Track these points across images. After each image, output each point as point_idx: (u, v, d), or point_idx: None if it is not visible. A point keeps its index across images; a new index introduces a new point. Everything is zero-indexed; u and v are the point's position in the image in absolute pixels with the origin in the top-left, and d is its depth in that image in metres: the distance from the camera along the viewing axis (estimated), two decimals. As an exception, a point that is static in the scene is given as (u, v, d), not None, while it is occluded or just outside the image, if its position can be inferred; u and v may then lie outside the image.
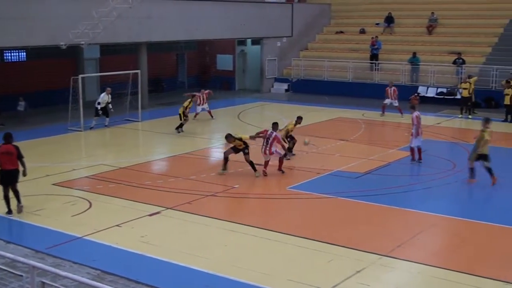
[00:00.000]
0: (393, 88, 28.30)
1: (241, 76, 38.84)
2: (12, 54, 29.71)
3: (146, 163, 19.33)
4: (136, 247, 12.01)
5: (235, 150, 17.86)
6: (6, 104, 26.42)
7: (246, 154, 17.75)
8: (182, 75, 38.81)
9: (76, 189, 16.28)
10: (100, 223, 13.43)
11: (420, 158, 19.02)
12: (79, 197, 15.41)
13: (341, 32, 39.81)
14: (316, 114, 28.66)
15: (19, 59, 30.03)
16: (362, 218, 14.13)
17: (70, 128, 24.37)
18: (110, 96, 25.06)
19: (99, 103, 24.93)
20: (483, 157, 16.44)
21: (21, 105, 26.35)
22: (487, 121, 16.67)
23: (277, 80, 37.52)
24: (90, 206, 14.68)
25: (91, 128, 24.73)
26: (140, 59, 29.88)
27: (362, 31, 38.71)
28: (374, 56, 35.09)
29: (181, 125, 23.97)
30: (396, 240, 12.52)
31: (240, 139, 17.79)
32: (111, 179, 17.05)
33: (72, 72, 27.87)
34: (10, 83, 28.00)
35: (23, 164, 14.31)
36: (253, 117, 28.04)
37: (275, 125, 18.22)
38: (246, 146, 17.88)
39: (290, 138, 20.04)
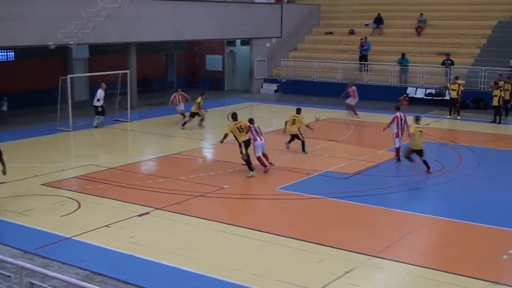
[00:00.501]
0: (353, 87, 28.69)
1: (230, 77, 38.85)
2: (0, 54, 29.56)
3: (135, 164, 19.30)
4: (126, 248, 12.00)
5: (246, 146, 17.71)
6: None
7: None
8: (172, 75, 38.76)
9: (65, 189, 16.22)
10: (89, 223, 13.39)
11: (398, 159, 19.19)
12: (68, 197, 15.36)
13: (330, 33, 39.89)
14: (305, 115, 28.60)
15: (7, 59, 29.87)
16: (351, 218, 14.17)
17: (59, 128, 24.28)
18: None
19: (98, 100, 24.90)
20: (418, 152, 17.86)
21: (5, 105, 26.24)
22: (417, 118, 18.27)
23: (267, 80, 37.55)
24: (79, 206, 14.64)
25: (95, 126, 24.80)
26: (130, 60, 29.81)
27: (351, 32, 38.80)
28: (363, 57, 35.18)
29: (185, 123, 24.69)
30: (386, 241, 12.57)
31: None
32: (100, 180, 17.00)
33: (61, 72, 27.78)
34: (-1, 83, 27.86)
35: (2, 163, 14.25)
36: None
37: (251, 120, 18.48)
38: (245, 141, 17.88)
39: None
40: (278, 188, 16.37)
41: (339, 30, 39.80)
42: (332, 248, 12.08)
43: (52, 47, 24.66)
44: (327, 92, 34.05)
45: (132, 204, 14.72)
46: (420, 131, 17.96)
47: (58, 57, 30.28)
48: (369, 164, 19.12)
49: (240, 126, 18.02)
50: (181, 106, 25.83)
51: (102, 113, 25.07)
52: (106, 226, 13.26)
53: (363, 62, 34.92)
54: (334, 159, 19.77)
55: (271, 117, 27.91)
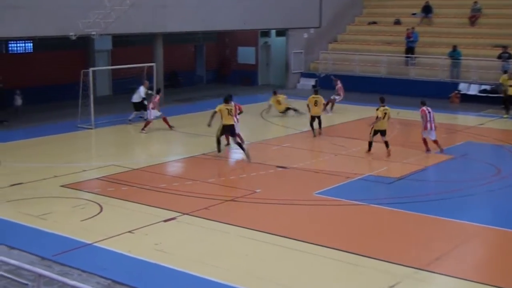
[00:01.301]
0: (338, 83, 29.27)
1: (264, 71, 38.85)
2: (18, 45, 30.02)
3: (161, 164, 19.43)
4: (150, 256, 12.07)
5: (225, 130, 19.74)
6: (11, 99, 26.66)
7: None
8: (200, 69, 38.93)
9: (86, 191, 16.41)
10: (111, 228, 13.51)
11: (428, 149, 20.61)
12: (89, 200, 15.53)
13: (374, 22, 39.62)
14: (346, 113, 28.57)
15: (25, 50, 30.34)
16: (396, 227, 14.05)
17: (79, 125, 24.58)
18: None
19: (144, 98, 25.24)
20: (381, 132, 20.31)
21: (18, 99, 26.55)
22: (381, 100, 20.75)
23: (304, 75, 37.47)
24: (101, 210, 14.79)
25: (129, 120, 25.36)
26: (156, 51, 30.01)
27: (397, 22, 38.49)
28: (410, 50, 34.88)
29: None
30: (434, 252, 12.43)
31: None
32: (124, 181, 17.15)
33: (82, 65, 28.11)
34: (15, 77, 28.24)
35: None
36: (277, 115, 28.02)
37: (229, 97, 20.35)
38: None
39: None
40: (316, 193, 16.32)
41: (383, 20, 39.51)
42: (375, 260, 11.99)
43: (73, 37, 24.93)
44: (370, 88, 33.82)
45: (157, 209, 14.81)
46: (385, 112, 20.26)
47: (79, 48, 30.68)
48: (416, 167, 18.95)
49: (231, 109, 19.72)
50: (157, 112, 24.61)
51: (143, 108, 25.43)
52: (129, 232, 13.36)
53: (409, 55, 34.62)
54: (377, 162, 19.64)
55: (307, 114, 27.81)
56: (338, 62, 36.67)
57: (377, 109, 20.59)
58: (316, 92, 24.02)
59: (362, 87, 34.32)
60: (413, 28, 35.58)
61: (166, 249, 12.46)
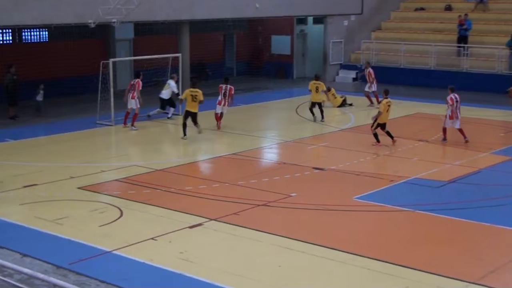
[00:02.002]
0: (369, 69, 29.60)
1: (300, 62, 38.84)
2: (32, 33, 30.40)
3: (186, 165, 19.54)
4: (174, 265, 12.14)
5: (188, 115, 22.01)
6: (23, 92, 26.89)
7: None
8: (230, 60, 39.06)
9: (104, 194, 16.57)
10: (132, 235, 13.62)
11: (444, 138, 22.03)
12: (109, 203, 15.68)
13: (422, 8, 39.36)
14: (390, 109, 28.38)
15: (39, 39, 30.71)
16: (445, 236, 13.95)
17: (98, 122, 24.84)
18: None
19: (178, 94, 25.51)
20: (381, 126, 21.42)
21: (40, 94, 26.70)
22: (385, 92, 22.08)
23: (343, 67, 37.38)
24: (121, 214, 14.91)
25: (169, 117, 25.83)
26: (181, 41, 30.17)
27: (448, 8, 38.19)
28: (462, 39, 34.59)
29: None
30: (488, 265, 12.32)
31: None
32: (146, 183, 17.28)
33: (102, 55, 28.38)
34: (28, 68, 28.54)
35: None
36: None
37: (226, 79, 24.26)
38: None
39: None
40: (356, 198, 16.27)
41: (432, 6, 39.24)
42: (421, 272, 11.92)
43: (92, 25, 25.12)
44: (417, 81, 33.67)
45: (182, 214, 14.90)
46: (389, 105, 21.57)
47: (99, 37, 30.97)
48: (468, 170, 18.81)
49: (196, 95, 21.81)
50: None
51: (173, 104, 26.02)
52: (152, 239, 13.46)
53: (462, 45, 34.31)
54: (424, 163, 19.52)
55: (348, 111, 27.80)
56: (381, 53, 36.51)
57: (379, 102, 21.57)
58: (317, 78, 25.84)
59: (408, 80, 34.14)
60: (466, 14, 35.27)
61: (192, 258, 12.52)
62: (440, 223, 14.68)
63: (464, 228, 14.39)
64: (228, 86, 24.31)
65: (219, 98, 24.34)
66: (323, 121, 25.32)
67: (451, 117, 21.85)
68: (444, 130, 22.11)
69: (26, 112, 26.13)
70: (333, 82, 36.21)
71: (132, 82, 24.45)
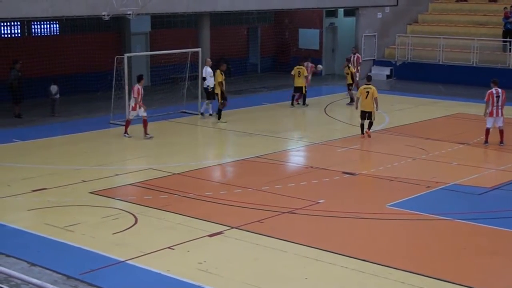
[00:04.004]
0: (356, 55, 30.49)
1: (329, 57, 38.78)
2: (42, 26, 30.62)
3: (206, 169, 19.60)
4: (193, 276, 12.19)
5: None
6: (32, 89, 27.11)
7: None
8: (254, 56, 39.06)
9: (118, 199, 16.68)
10: (147, 243, 13.70)
11: (486, 141, 21.75)
12: (123, 209, 15.78)
13: (464, 0, 39.16)
14: (427, 109, 28.33)
15: (50, 32, 30.92)
16: (487, 247, 13.87)
17: (112, 121, 24.98)
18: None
19: (204, 79, 26.02)
20: (367, 114, 22.63)
21: (55, 90, 26.75)
22: (367, 78, 24.10)
23: (377, 63, 37.29)
24: (136, 221, 14.99)
25: (210, 114, 26.02)
26: (202, 35, 30.25)
27: (492, -1, 38.03)
28: (508, 32, 34.35)
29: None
30: (533, 279, 12.29)
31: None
32: (163, 188, 17.37)
33: (116, 50, 28.53)
34: (37, 63, 28.75)
35: None
36: (343, 112, 27.97)
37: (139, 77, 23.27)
38: None
39: None
40: (389, 205, 16.24)
41: (475, -3, 39.08)
42: (462, 287, 11.88)
43: (106, 18, 25.24)
44: (458, 79, 33.49)
45: (201, 221, 14.95)
46: (367, 91, 22.55)
47: (113, 31, 31.13)
48: (513, 175, 18.73)
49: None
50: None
51: (212, 96, 26.06)
52: (168, 247, 13.52)
53: (508, 39, 34.08)
54: (464, 168, 19.43)
55: (381, 111, 27.67)
56: (418, 48, 36.38)
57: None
58: (300, 63, 28.73)
59: (448, 77, 34.00)
60: None
61: (211, 269, 12.56)
62: (482, 233, 14.61)
63: (508, 239, 14.32)
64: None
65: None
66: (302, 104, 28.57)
67: (490, 114, 21.63)
68: (487, 131, 21.84)
69: (36, 111, 26.34)
70: (364, 80, 36.10)
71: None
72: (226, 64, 26.10)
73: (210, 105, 26.13)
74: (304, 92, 28.50)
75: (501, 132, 21.80)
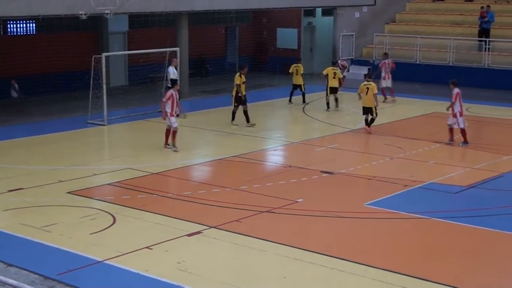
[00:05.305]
0: (388, 60, 30.20)
1: (308, 57, 38.83)
2: (18, 25, 30.41)
3: (185, 168, 19.58)
4: (171, 276, 12.15)
5: None
6: (7, 89, 26.93)
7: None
8: (232, 55, 39.04)
9: (96, 199, 16.60)
10: (126, 243, 13.64)
11: (451, 139, 21.95)
12: (100, 209, 15.70)
13: (440, -1, 39.42)
14: (404, 108, 28.44)
15: (26, 32, 30.73)
16: (463, 246, 13.95)
17: (90, 121, 24.87)
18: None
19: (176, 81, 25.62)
20: (368, 110, 23.36)
21: (14, 89, 26.68)
22: (369, 75, 25.25)
23: (355, 62, 37.38)
24: (114, 221, 14.93)
25: (177, 115, 25.50)
26: (180, 34, 30.20)
27: (469, -1, 38.26)
28: (483, 32, 34.57)
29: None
30: (510, 277, 12.36)
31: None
32: (141, 188, 17.31)
33: (94, 49, 28.40)
34: (14, 63, 28.59)
35: None
36: (322, 111, 28.01)
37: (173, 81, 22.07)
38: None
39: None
40: (367, 204, 16.28)
41: (451, -4, 39.29)
42: (439, 285, 11.91)
43: (83, 17, 25.14)
44: (434, 78, 33.63)
45: (180, 221, 14.91)
46: (367, 88, 23.16)
47: (90, 30, 30.99)
48: (490, 174, 18.81)
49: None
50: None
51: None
52: (147, 247, 13.47)
53: (483, 39, 34.29)
54: (441, 167, 19.53)
55: (357, 110, 27.74)
56: (396, 47, 36.54)
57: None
58: (298, 61, 29.50)
59: (424, 77, 34.17)
60: (488, 6, 35.26)
61: (190, 268, 12.54)
62: (458, 232, 14.67)
63: (484, 237, 14.38)
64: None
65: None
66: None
67: (461, 114, 21.68)
68: (451, 129, 22.00)
69: (11, 110, 26.16)
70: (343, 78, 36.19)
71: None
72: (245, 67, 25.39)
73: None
74: (303, 89, 28.97)
75: (464, 131, 21.90)
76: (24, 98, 27.10)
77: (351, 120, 25.38)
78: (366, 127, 23.32)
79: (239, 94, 24.17)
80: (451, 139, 21.95)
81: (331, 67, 28.49)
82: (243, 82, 24.28)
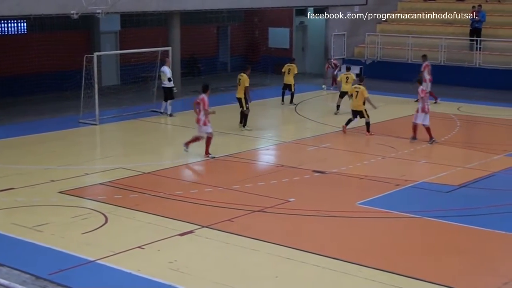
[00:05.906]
0: (425, 63, 29.33)
1: (300, 56, 38.80)
2: (10, 25, 30.31)
3: (177, 168, 19.55)
4: (163, 276, 12.15)
5: None
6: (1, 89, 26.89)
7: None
8: (224, 54, 39.04)
9: (88, 199, 16.57)
10: (117, 243, 13.63)
11: (414, 137, 22.12)
12: (92, 209, 15.67)
13: (432, -1, 39.48)
14: (396, 108, 28.47)
15: (17, 31, 30.62)
16: (455, 245, 13.97)
17: (81, 120, 24.81)
18: None
19: (170, 79, 25.56)
20: (358, 113, 23.21)
21: None
22: (360, 79, 24.71)
23: (346, 62, 37.32)
24: (106, 221, 14.91)
25: (170, 115, 25.88)
26: (172, 34, 30.17)
27: (460, -1, 38.33)
28: (475, 31, 34.62)
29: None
30: (502, 276, 12.35)
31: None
32: (133, 188, 17.29)
33: (85, 49, 28.33)
34: (5, 63, 28.52)
35: None
36: (314, 111, 28.01)
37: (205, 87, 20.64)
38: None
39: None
40: (359, 203, 16.29)
41: (443, -4, 39.35)
42: (432, 284, 11.93)
43: (75, 17, 25.11)
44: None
45: (172, 220, 14.90)
46: (356, 91, 23.19)
47: (82, 29, 30.90)
48: (481, 173, 18.84)
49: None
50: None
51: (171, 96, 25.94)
52: (139, 247, 13.46)
53: (475, 38, 34.35)
54: (433, 166, 19.57)
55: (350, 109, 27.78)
56: (388, 47, 36.57)
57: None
58: (292, 61, 29.46)
59: (416, 76, 34.04)
60: (479, 6, 35.30)
61: (182, 268, 12.53)
62: (450, 231, 14.70)
63: (476, 237, 14.41)
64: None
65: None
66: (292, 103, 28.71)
67: (428, 110, 21.89)
68: (415, 126, 22.09)
69: (3, 110, 26.08)
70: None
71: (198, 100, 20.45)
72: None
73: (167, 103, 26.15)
74: (292, 90, 28.71)
75: (429, 129, 22.02)
76: (18, 98, 26.90)
77: (344, 120, 25.32)
78: (367, 132, 23.12)
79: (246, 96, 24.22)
80: (414, 137, 22.10)
81: (344, 73, 28.31)
82: None
